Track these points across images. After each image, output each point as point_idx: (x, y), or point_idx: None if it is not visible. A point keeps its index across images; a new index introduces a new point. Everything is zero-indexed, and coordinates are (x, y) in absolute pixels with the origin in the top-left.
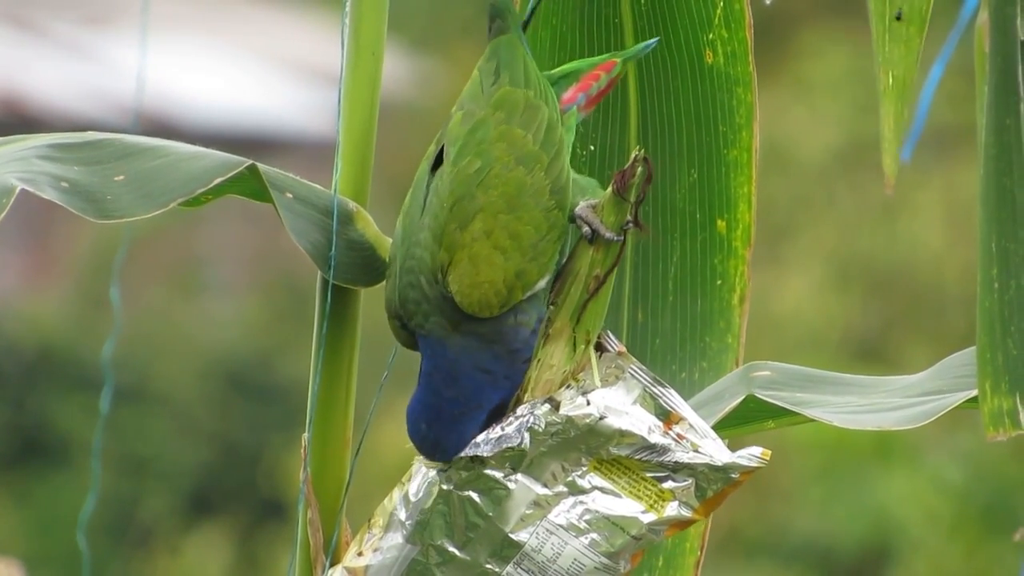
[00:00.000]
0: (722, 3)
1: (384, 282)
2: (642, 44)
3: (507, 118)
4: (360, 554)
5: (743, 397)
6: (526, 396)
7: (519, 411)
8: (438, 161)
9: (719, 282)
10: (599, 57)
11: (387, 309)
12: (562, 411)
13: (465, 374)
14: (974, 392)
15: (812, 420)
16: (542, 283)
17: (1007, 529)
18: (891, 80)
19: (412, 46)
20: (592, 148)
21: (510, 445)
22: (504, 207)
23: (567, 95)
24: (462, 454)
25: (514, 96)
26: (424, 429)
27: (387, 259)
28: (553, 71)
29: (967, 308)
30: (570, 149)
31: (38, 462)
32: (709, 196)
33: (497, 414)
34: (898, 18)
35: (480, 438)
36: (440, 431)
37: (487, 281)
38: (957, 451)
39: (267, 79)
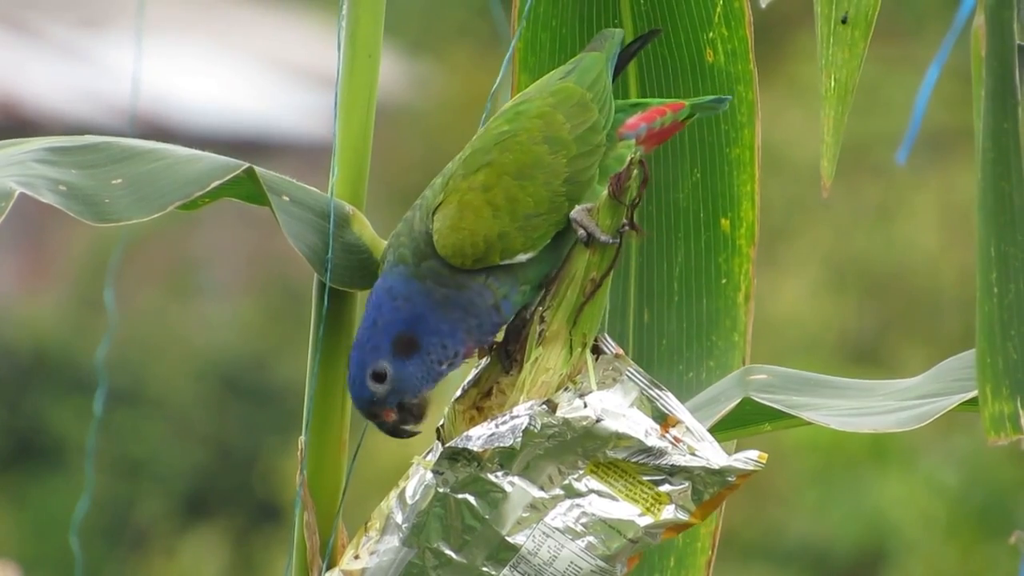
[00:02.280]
0: (722, 1)
1: None
2: (713, 97)
3: (556, 104)
4: (357, 557)
5: (739, 400)
6: (522, 398)
7: (515, 411)
8: None
9: (724, 281)
10: (671, 99)
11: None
12: (559, 413)
13: (387, 303)
14: (970, 395)
15: (808, 423)
16: (523, 257)
17: (1002, 532)
18: (833, 83)
19: (408, 49)
20: None
21: (502, 444)
22: (513, 172)
23: (631, 120)
24: (453, 444)
25: (572, 91)
26: (350, 365)
27: None
28: (624, 101)
29: (963, 311)
30: (611, 174)
31: (33, 464)
32: (712, 195)
33: (404, 345)
34: (844, 21)
35: (473, 432)
36: (353, 354)
37: (468, 229)
38: (952, 454)
39: (262, 82)
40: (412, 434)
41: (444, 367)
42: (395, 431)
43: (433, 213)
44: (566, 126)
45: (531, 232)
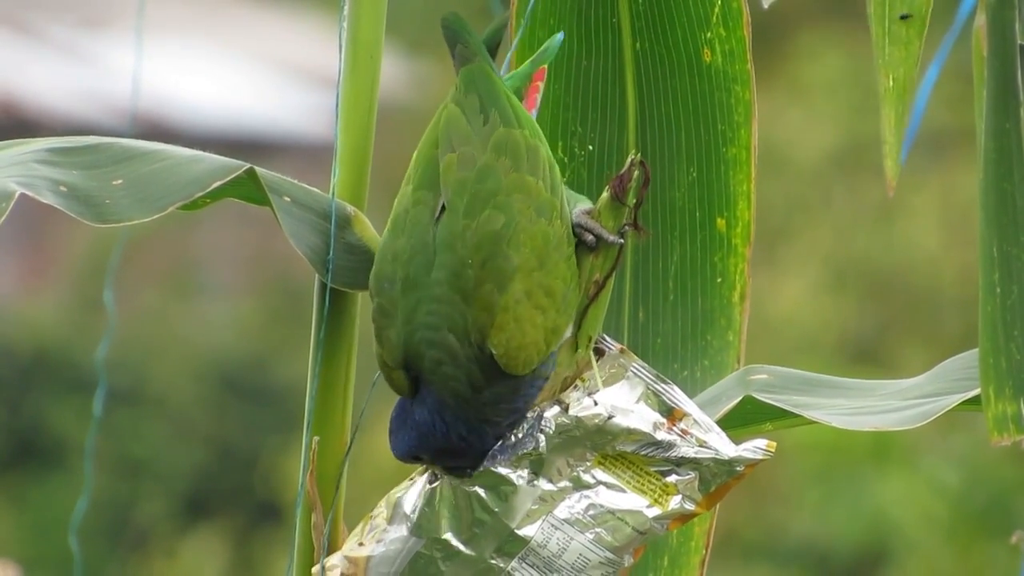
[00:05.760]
0: (720, 1)
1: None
2: (555, 43)
3: (515, 165)
4: (362, 544)
5: (740, 398)
6: None
7: (527, 416)
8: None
9: (719, 280)
10: (527, 68)
11: (388, 360)
12: (571, 412)
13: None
14: (971, 394)
15: (810, 422)
16: (568, 333)
17: (1003, 532)
18: (891, 82)
19: (408, 48)
20: (591, 148)
21: (526, 450)
22: (536, 264)
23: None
24: (483, 467)
25: (513, 138)
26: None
27: (375, 305)
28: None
29: (963, 311)
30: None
31: (33, 465)
32: (708, 194)
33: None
34: (903, 18)
35: (496, 448)
36: (392, 432)
37: (532, 342)
38: (953, 454)
39: (263, 82)
40: None
41: None
42: None
43: (483, 336)
44: (540, 186)
45: (569, 309)
